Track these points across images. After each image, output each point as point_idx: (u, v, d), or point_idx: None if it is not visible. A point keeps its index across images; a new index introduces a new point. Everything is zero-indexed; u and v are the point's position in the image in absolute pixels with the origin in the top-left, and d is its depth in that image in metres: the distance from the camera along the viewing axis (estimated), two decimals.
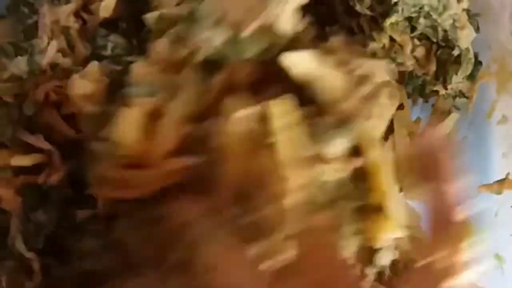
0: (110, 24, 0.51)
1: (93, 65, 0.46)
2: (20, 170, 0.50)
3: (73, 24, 0.49)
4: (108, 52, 0.50)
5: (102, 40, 0.50)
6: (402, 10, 0.53)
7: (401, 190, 0.44)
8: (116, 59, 0.50)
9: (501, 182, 0.55)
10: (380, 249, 0.42)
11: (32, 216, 0.50)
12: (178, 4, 0.48)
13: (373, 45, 0.53)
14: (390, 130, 0.52)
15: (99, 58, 0.50)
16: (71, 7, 0.49)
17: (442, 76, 0.55)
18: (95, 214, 0.50)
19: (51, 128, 0.49)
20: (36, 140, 0.49)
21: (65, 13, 0.49)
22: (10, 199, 0.50)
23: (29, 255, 0.50)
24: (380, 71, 0.43)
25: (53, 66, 0.49)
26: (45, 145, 0.49)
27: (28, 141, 0.49)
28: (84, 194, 0.50)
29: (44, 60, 0.48)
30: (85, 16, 0.50)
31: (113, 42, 0.51)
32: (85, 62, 0.49)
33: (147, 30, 0.50)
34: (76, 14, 0.50)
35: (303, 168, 0.39)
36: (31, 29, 0.50)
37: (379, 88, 0.42)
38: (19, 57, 0.49)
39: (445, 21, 0.53)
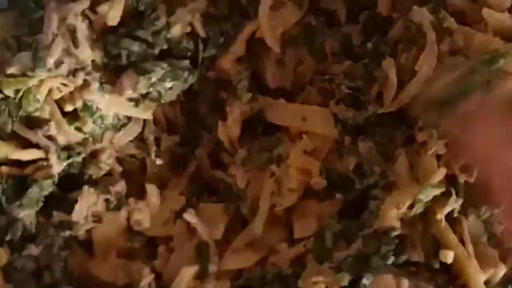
0: (116, 28, 0.51)
1: None
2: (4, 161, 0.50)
3: (80, 24, 0.49)
4: (124, 61, 0.50)
5: (113, 48, 0.50)
6: None
7: None
8: (137, 67, 0.50)
9: None
10: None
11: (7, 208, 0.50)
12: None
13: None
14: None
15: (117, 68, 0.50)
16: (80, 6, 0.49)
17: None
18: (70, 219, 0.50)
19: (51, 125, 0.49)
20: (34, 135, 0.49)
21: (73, 11, 0.48)
22: None
23: None
24: None
25: (58, 63, 0.48)
26: (43, 141, 0.50)
27: (27, 136, 0.49)
28: (68, 197, 0.50)
29: (50, 58, 0.48)
30: (91, 16, 0.50)
31: (126, 49, 0.50)
32: (94, 67, 0.49)
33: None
34: (83, 14, 0.49)
35: None
36: (36, 24, 0.49)
37: None
38: (22, 52, 0.48)
39: None
